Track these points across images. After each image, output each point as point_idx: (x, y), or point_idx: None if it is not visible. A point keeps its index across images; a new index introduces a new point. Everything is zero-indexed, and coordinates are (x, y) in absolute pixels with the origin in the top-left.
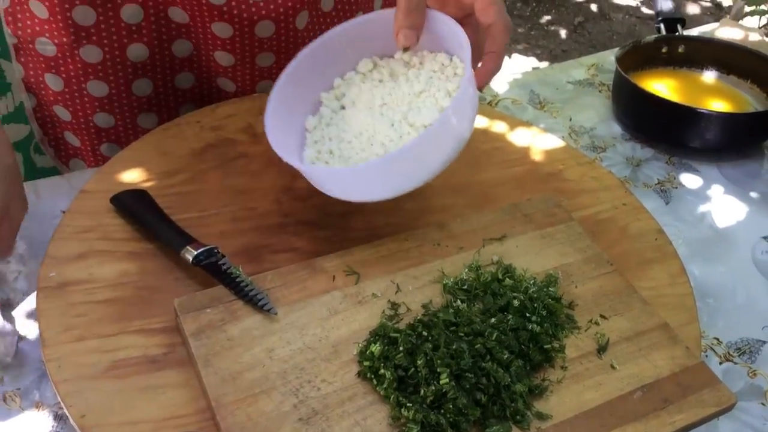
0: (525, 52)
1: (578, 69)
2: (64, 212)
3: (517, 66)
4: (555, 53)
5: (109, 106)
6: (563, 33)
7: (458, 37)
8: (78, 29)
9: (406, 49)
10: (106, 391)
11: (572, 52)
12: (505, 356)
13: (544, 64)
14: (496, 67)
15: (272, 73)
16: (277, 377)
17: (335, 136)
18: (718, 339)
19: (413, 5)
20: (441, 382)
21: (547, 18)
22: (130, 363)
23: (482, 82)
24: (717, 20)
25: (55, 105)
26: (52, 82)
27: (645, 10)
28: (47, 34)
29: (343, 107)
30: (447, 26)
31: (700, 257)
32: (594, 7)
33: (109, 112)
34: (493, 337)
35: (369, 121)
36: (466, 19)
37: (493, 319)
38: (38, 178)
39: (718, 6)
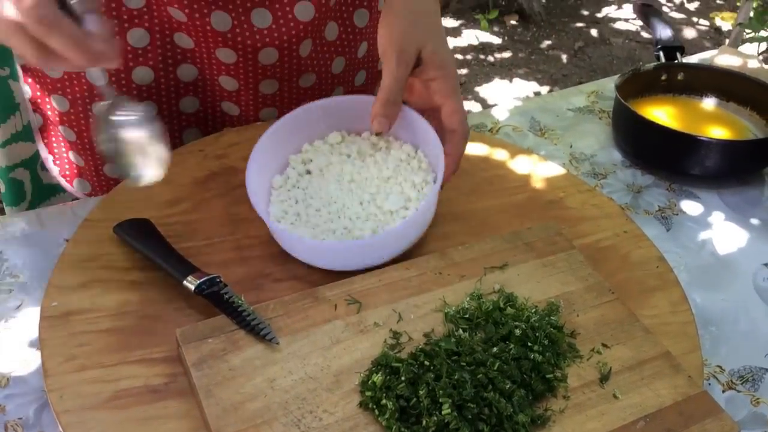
0: (526, 77)
1: (578, 96)
2: (67, 240)
3: (517, 90)
4: (555, 77)
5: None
6: (564, 57)
7: (432, 143)
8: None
9: (378, 134)
10: (107, 421)
11: (573, 76)
12: (508, 386)
13: (545, 89)
14: (455, 169)
15: (275, 100)
16: (278, 408)
17: (301, 200)
18: (720, 367)
19: (391, 98)
20: (443, 412)
21: (547, 43)
22: (132, 393)
23: (442, 181)
24: (715, 44)
25: (60, 125)
26: (58, 103)
27: (644, 34)
28: None
29: (308, 172)
30: (421, 126)
31: (702, 284)
32: (594, 32)
33: None
34: (495, 367)
35: (338, 194)
36: (428, 112)
37: (495, 349)
38: (44, 194)
39: (717, 30)
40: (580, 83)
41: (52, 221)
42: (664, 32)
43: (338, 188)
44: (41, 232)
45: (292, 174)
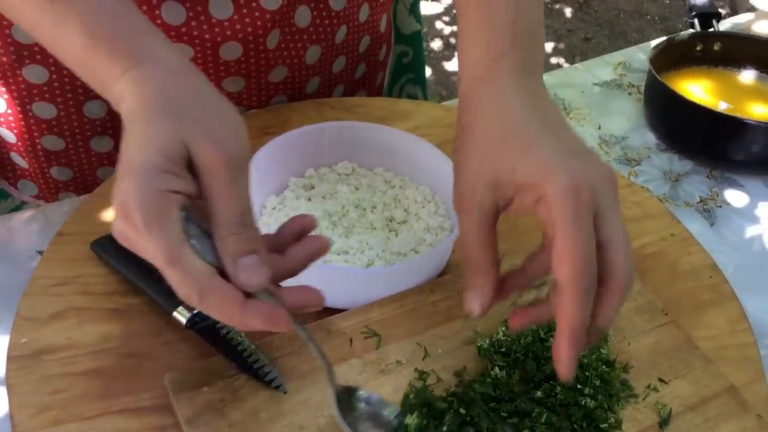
0: None
1: (604, 68)
2: (40, 252)
3: None
4: (560, 33)
5: (58, 128)
6: (568, 12)
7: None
8: (19, 48)
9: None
10: None
11: (578, 31)
12: None
13: (550, 45)
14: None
15: (241, 98)
16: None
17: None
18: None
19: (469, 260)
20: None
21: None
22: None
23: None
24: (730, 9)
25: None
26: None
27: None
28: None
29: (309, 199)
30: (441, 169)
31: (753, 289)
32: None
33: (59, 134)
34: (543, 419)
35: (340, 222)
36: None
37: (538, 392)
38: None
39: None
40: (587, 39)
41: (22, 229)
42: None
43: (341, 216)
44: (9, 243)
45: (289, 197)
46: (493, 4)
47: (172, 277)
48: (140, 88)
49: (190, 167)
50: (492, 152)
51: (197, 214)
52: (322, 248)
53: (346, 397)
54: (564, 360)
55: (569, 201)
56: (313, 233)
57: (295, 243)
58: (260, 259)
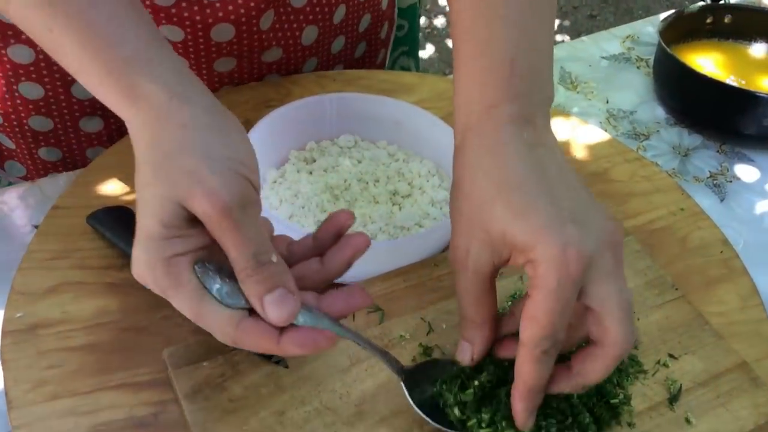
0: None
1: (612, 41)
2: (36, 227)
3: None
4: (565, 10)
5: (46, 109)
6: None
7: None
8: (3, 27)
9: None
10: None
11: (583, 8)
12: (586, 420)
13: (555, 23)
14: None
15: (233, 78)
16: None
17: (301, 193)
18: None
19: (465, 317)
20: None
21: None
22: (113, 428)
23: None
24: None
25: None
26: None
27: None
28: None
29: (310, 173)
30: (448, 143)
31: (763, 264)
32: None
33: (47, 115)
34: (575, 395)
35: (342, 195)
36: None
37: None
38: None
39: None
40: (592, 16)
41: (18, 203)
42: None
43: (343, 189)
44: (5, 217)
45: (290, 170)
46: (491, 40)
47: (204, 327)
48: (135, 135)
49: (195, 219)
50: (484, 212)
51: (221, 257)
52: (360, 249)
53: (413, 378)
54: (518, 412)
55: (553, 270)
56: (318, 210)
57: (334, 245)
58: (285, 292)
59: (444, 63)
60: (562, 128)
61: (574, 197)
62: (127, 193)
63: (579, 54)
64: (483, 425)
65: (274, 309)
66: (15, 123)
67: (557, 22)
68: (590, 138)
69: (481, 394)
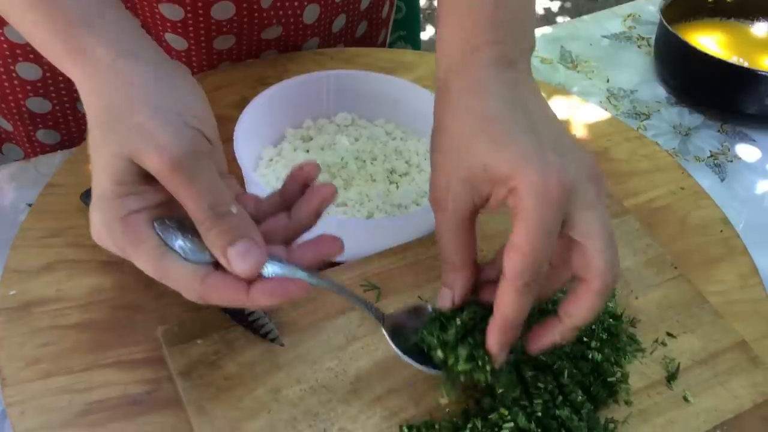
0: None
1: (613, 20)
2: (30, 205)
3: None
4: None
5: (44, 90)
6: None
7: None
8: None
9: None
10: None
11: None
12: (579, 398)
13: (556, 4)
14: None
15: (232, 54)
16: (285, 426)
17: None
18: None
19: (444, 257)
20: None
21: None
22: (108, 406)
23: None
24: None
25: None
26: None
27: None
28: None
29: (307, 151)
30: None
31: (764, 244)
32: None
33: (44, 96)
34: (566, 374)
35: (339, 173)
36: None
37: None
38: None
39: None
40: None
41: (11, 182)
42: None
43: (340, 167)
44: None
45: (287, 148)
46: None
47: (169, 285)
48: (86, 99)
49: (149, 175)
50: (464, 148)
51: (181, 213)
52: (326, 198)
53: (395, 325)
54: (491, 345)
55: (535, 196)
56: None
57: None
58: (249, 242)
59: None
60: (562, 107)
61: (554, 131)
62: None
63: (579, 33)
64: (462, 361)
65: (239, 260)
66: (13, 104)
67: (558, 3)
68: (590, 117)
69: (463, 332)
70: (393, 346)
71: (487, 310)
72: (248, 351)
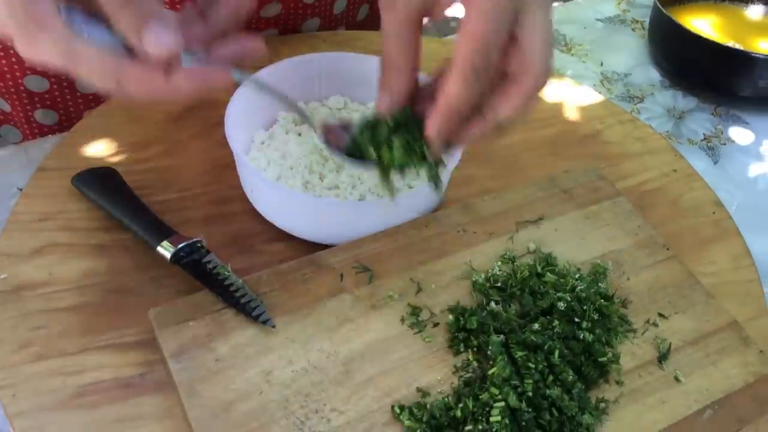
0: None
1: (607, 3)
2: (21, 190)
3: None
4: None
5: (41, 67)
6: None
7: None
8: None
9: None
10: (71, 424)
11: None
12: (570, 377)
13: None
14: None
15: None
16: (277, 407)
17: (289, 155)
18: None
19: (386, 61)
20: (492, 419)
21: None
22: (100, 388)
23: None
24: None
25: None
26: None
27: None
28: None
29: (299, 134)
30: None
31: (756, 227)
32: None
33: (42, 74)
34: (557, 354)
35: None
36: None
37: (536, 325)
38: None
39: None
40: None
41: (2, 167)
42: None
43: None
44: None
45: (279, 132)
46: None
47: (81, 75)
48: None
49: None
50: None
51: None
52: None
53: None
54: (431, 130)
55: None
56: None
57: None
58: (163, 21)
59: (439, 32)
60: (555, 90)
61: None
62: (113, 155)
63: (573, 16)
64: (396, 153)
65: (152, 40)
66: (11, 83)
67: None
68: (583, 99)
69: (395, 128)
70: (324, 145)
71: (421, 119)
72: (240, 333)
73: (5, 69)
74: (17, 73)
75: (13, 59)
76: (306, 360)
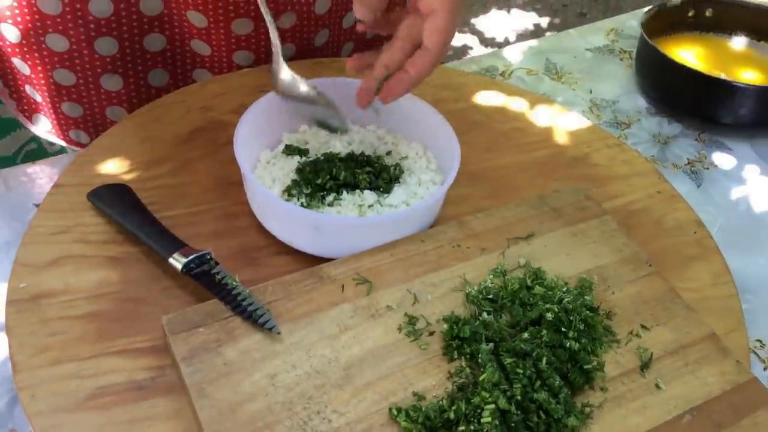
0: (524, 8)
1: (596, 34)
2: (37, 206)
3: (516, 23)
4: (555, 8)
5: (70, 62)
6: None
7: (447, 144)
8: None
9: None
10: (86, 424)
11: (573, 5)
12: (556, 383)
13: (545, 20)
14: (407, 88)
15: (250, 43)
16: (281, 408)
17: (294, 172)
18: (761, 341)
19: None
20: (483, 420)
21: None
22: (114, 391)
23: (392, 93)
24: None
25: (13, 57)
26: (9, 33)
27: None
28: None
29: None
30: (434, 123)
31: (737, 247)
32: None
33: (70, 69)
34: (544, 361)
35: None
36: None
37: (525, 334)
38: (1, 130)
39: None
40: (582, 14)
41: (19, 183)
42: None
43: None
44: (7, 197)
45: (283, 152)
46: None
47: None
48: None
49: None
50: None
51: None
52: None
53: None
54: (394, 92)
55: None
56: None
57: None
58: None
59: None
60: (545, 115)
61: None
62: (127, 172)
63: (564, 46)
64: None
65: None
66: (41, 75)
67: (546, 19)
68: (572, 124)
69: None
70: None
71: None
72: (247, 339)
73: (37, 61)
74: (48, 66)
75: (45, 52)
76: (309, 365)
